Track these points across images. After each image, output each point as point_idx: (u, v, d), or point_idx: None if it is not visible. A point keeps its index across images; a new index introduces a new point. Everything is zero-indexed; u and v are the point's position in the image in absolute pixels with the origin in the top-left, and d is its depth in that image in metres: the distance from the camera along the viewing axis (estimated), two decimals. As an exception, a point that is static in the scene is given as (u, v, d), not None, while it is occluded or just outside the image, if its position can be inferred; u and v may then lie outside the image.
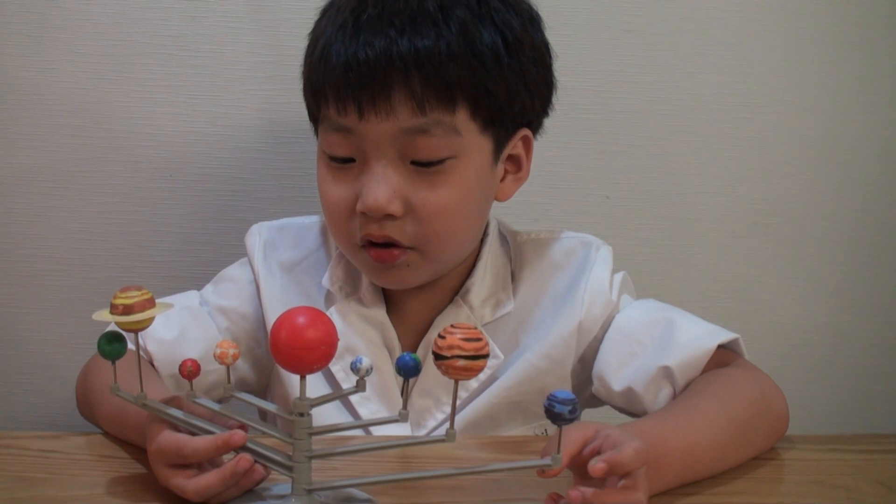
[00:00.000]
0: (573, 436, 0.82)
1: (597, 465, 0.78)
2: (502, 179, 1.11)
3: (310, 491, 0.82)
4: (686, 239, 1.47)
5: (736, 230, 1.47)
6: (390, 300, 1.14)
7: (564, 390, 0.77)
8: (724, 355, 1.06)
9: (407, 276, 1.07)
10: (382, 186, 1.01)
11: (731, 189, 1.46)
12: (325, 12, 1.08)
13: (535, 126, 1.12)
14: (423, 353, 1.10)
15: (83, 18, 1.36)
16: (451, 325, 0.76)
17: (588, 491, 0.79)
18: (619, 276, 1.14)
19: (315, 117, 1.09)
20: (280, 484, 0.86)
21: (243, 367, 1.16)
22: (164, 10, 1.37)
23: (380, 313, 1.12)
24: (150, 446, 0.87)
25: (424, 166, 1.02)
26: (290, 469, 0.82)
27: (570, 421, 0.77)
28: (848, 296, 1.51)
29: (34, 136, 1.39)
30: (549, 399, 0.77)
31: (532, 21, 1.09)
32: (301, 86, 1.10)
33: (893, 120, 1.46)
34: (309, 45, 1.08)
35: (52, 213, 1.41)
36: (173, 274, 1.42)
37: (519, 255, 1.16)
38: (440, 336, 0.76)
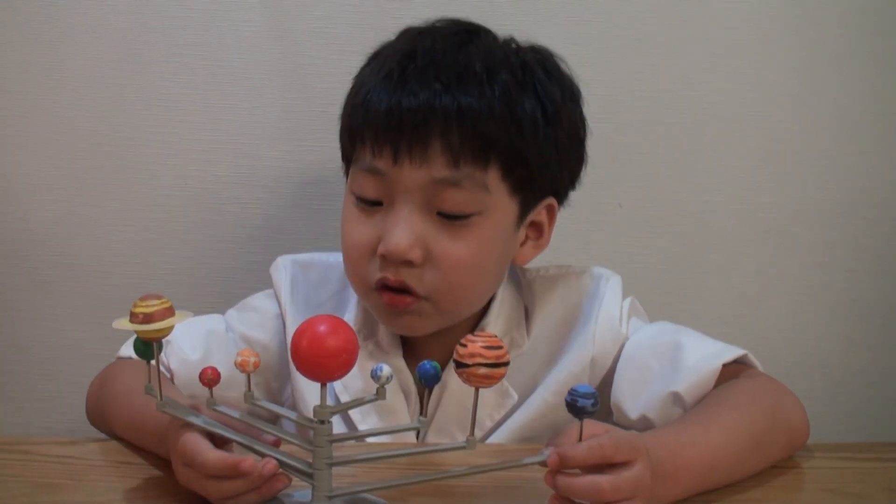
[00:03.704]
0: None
1: (551, 457, 0.81)
2: (523, 244, 1.12)
3: (330, 497, 0.82)
4: (698, 247, 1.47)
5: (748, 238, 1.47)
6: (407, 344, 1.14)
7: (585, 384, 0.79)
8: (736, 370, 1.06)
9: (417, 323, 1.08)
10: (406, 231, 1.02)
11: (744, 197, 1.46)
12: (371, 60, 1.11)
13: (561, 197, 1.14)
14: (438, 394, 1.11)
15: (101, 26, 1.36)
16: (472, 334, 0.78)
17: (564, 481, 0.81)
18: (626, 304, 1.14)
19: (348, 158, 1.11)
20: (300, 490, 0.87)
21: (257, 397, 1.17)
22: (181, 19, 1.37)
23: (396, 357, 1.13)
24: (174, 445, 0.88)
25: (450, 218, 1.03)
26: (310, 476, 0.82)
27: (592, 414, 0.79)
28: (859, 304, 1.50)
29: (51, 143, 1.39)
30: (570, 393, 0.79)
31: (572, 96, 1.11)
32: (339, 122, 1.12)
33: (905, 130, 1.47)
34: (351, 89, 1.10)
35: (67, 220, 1.41)
36: (188, 281, 1.42)
37: (529, 292, 1.17)
38: (461, 344, 0.77)
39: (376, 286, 1.06)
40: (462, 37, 1.08)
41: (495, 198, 1.04)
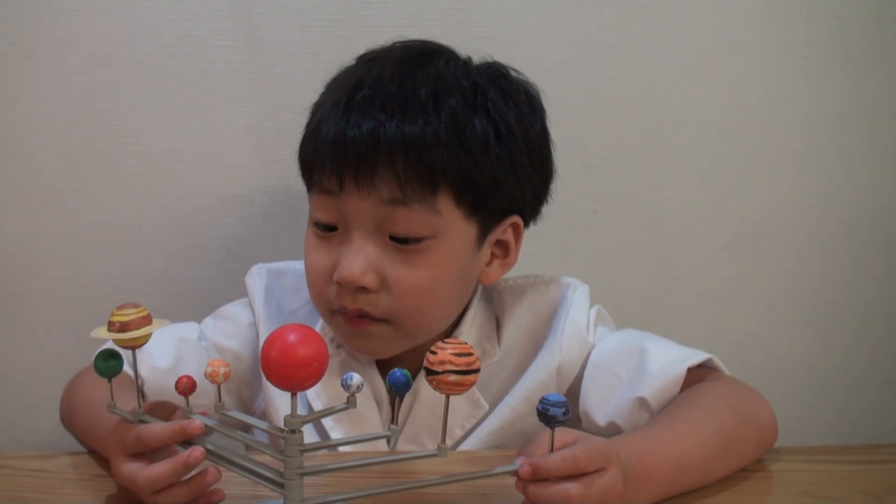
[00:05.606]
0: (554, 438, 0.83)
1: (524, 468, 0.81)
2: (489, 263, 1.11)
3: (302, 508, 0.82)
4: (673, 252, 1.47)
5: (722, 243, 1.48)
6: None
7: (556, 394, 0.79)
8: (702, 374, 1.07)
9: (379, 346, 1.08)
10: (359, 259, 1.03)
11: (717, 202, 1.47)
12: (327, 88, 1.12)
13: (529, 214, 1.14)
14: (410, 402, 1.11)
15: (71, 39, 1.36)
16: (442, 341, 0.77)
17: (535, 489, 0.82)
18: (593, 312, 1.14)
19: (308, 185, 1.11)
20: (271, 501, 0.86)
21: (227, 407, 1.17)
22: (152, 29, 1.36)
23: (369, 365, 1.13)
24: (111, 437, 0.90)
25: (402, 242, 1.03)
26: (281, 486, 0.82)
27: (563, 423, 0.79)
28: (834, 307, 1.51)
29: (22, 155, 1.39)
30: (542, 402, 0.79)
31: (532, 111, 1.11)
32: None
33: (876, 133, 1.47)
34: (309, 117, 1.11)
35: (40, 232, 1.40)
36: (163, 292, 1.41)
37: (499, 303, 1.17)
38: (431, 352, 0.77)
39: (337, 311, 1.06)
40: (411, 62, 1.07)
41: (449, 221, 1.04)
